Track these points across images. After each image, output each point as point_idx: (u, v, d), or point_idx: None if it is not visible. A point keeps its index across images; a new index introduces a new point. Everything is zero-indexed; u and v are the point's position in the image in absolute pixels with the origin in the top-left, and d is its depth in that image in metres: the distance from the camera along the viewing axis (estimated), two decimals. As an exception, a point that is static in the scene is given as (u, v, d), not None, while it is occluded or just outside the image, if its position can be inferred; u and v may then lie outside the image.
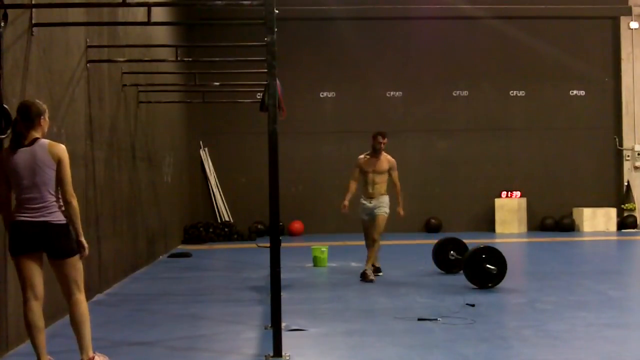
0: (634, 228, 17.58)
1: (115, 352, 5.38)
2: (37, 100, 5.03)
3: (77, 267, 4.87)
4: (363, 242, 9.80)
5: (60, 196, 4.83)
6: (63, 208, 4.82)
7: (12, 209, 4.85)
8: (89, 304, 4.99)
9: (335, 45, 17.75)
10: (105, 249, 8.64)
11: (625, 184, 18.08)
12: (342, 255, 10.30)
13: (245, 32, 14.35)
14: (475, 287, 8.40)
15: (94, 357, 4.89)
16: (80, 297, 4.88)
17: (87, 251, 4.94)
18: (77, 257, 4.87)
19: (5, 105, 5.46)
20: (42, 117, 4.86)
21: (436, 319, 6.58)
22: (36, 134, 4.82)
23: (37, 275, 4.81)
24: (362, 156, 9.73)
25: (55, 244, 4.77)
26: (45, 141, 4.83)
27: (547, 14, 18.04)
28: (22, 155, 4.76)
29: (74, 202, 4.81)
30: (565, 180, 18.02)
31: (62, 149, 4.83)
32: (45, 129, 4.93)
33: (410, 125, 17.93)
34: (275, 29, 5.43)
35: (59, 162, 4.78)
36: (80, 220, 4.88)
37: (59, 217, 4.79)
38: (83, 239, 4.89)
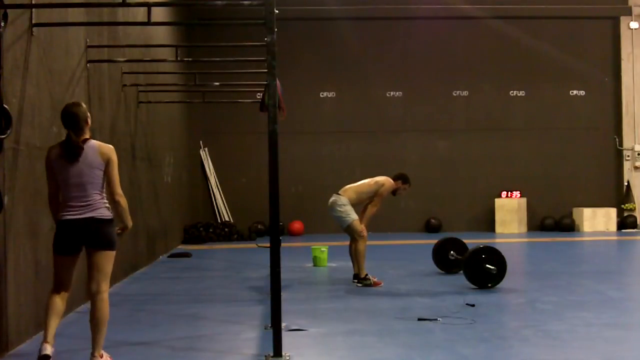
0: (634, 228, 17.58)
1: (115, 352, 5.37)
2: (78, 102, 5.11)
3: (111, 262, 5.02)
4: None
5: (105, 194, 4.97)
6: (107, 205, 4.96)
7: (60, 207, 4.95)
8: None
9: (335, 45, 17.75)
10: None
11: (625, 184, 18.08)
12: (342, 255, 10.28)
13: (245, 32, 14.35)
14: (475, 287, 8.40)
15: (103, 355, 4.97)
16: (105, 295, 5.00)
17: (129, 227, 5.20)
18: (114, 252, 5.01)
19: (5, 105, 5.46)
20: (87, 119, 5.00)
21: (436, 319, 6.58)
22: (85, 135, 4.95)
23: (70, 274, 4.99)
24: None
25: (97, 235, 4.89)
26: (95, 142, 4.97)
27: (547, 14, 18.05)
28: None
29: (122, 201, 5.00)
30: (565, 180, 18.02)
31: (111, 150, 4.99)
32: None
33: (410, 125, 17.94)
34: (275, 29, 5.43)
35: (107, 162, 4.92)
36: (129, 215, 5.13)
37: (104, 213, 4.92)
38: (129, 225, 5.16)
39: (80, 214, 4.85)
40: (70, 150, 4.85)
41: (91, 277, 4.96)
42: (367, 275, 8.93)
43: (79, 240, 4.89)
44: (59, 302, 4.89)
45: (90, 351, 4.94)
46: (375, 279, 8.93)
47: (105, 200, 4.97)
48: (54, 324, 4.85)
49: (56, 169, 4.90)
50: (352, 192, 9.10)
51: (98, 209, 4.88)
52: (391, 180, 9.19)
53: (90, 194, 4.87)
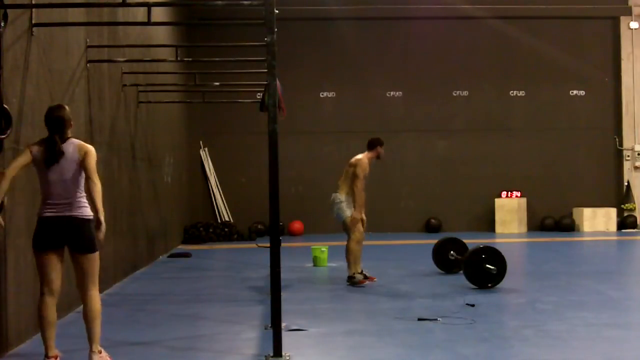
0: (634, 228, 17.58)
1: (115, 352, 5.37)
2: (62, 105, 5.14)
3: (96, 263, 5.02)
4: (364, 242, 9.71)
5: (85, 193, 4.98)
6: (87, 205, 4.95)
7: (40, 205, 4.97)
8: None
9: (335, 45, 17.75)
10: (106, 249, 8.61)
11: (625, 184, 18.08)
12: (342, 255, 10.28)
13: (245, 32, 14.35)
14: (475, 287, 8.40)
15: (102, 351, 4.98)
16: (95, 292, 5.01)
17: (103, 230, 4.90)
18: (97, 253, 5.01)
19: (5, 105, 5.46)
20: (71, 121, 5.04)
21: (436, 319, 6.58)
22: (67, 134, 4.99)
23: (56, 271, 4.93)
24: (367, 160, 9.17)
25: (79, 238, 4.90)
26: (77, 140, 5.02)
27: (547, 14, 18.05)
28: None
29: (98, 183, 4.89)
30: (565, 180, 18.02)
31: (90, 147, 5.02)
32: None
33: (410, 125, 17.94)
34: (275, 29, 5.44)
35: (85, 154, 4.92)
36: (101, 200, 4.91)
37: (84, 213, 4.93)
38: (102, 217, 4.87)
39: (60, 212, 4.86)
40: (52, 154, 4.87)
41: (79, 279, 5.01)
42: (354, 274, 8.96)
43: (59, 238, 4.88)
44: (50, 310, 4.88)
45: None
46: (362, 278, 8.93)
47: (86, 200, 4.97)
48: (51, 336, 4.88)
49: (37, 166, 4.92)
50: (344, 185, 9.15)
51: (79, 207, 4.91)
52: (362, 157, 9.07)
53: (72, 192, 4.90)
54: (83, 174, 4.95)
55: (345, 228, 9.07)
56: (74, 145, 4.94)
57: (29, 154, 4.89)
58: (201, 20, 16.50)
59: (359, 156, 9.16)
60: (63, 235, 4.88)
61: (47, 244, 4.87)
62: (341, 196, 9.07)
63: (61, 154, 4.87)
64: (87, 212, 4.95)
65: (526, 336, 5.95)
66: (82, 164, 4.90)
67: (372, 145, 9.25)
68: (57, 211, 4.87)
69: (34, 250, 4.95)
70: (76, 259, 4.97)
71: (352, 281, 8.92)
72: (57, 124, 4.92)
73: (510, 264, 8.68)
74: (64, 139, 4.94)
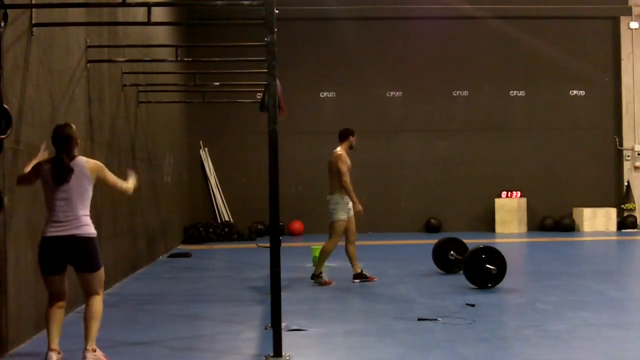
0: (634, 228, 17.58)
1: (115, 352, 5.38)
2: (69, 124, 5.20)
3: (100, 279, 5.10)
4: (362, 242, 9.72)
5: (89, 212, 5.05)
6: (90, 223, 5.02)
7: (44, 222, 5.01)
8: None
9: (335, 45, 17.75)
10: (106, 249, 8.60)
11: (625, 184, 18.08)
12: (342, 255, 10.28)
13: (245, 32, 14.35)
14: (475, 287, 8.40)
15: (96, 350, 5.01)
16: (99, 297, 5.10)
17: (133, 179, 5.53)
18: (101, 270, 5.07)
19: (5, 105, 5.46)
20: (77, 139, 5.10)
21: (436, 319, 6.58)
22: (74, 152, 5.04)
23: (63, 286, 5.04)
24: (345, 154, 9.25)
25: (81, 259, 4.95)
26: (83, 158, 5.07)
27: (547, 14, 18.05)
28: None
29: (130, 185, 5.38)
30: (565, 180, 18.02)
31: (98, 163, 5.14)
32: None
33: (410, 125, 17.94)
34: (275, 29, 5.44)
35: (99, 174, 5.08)
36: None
37: (87, 231, 4.96)
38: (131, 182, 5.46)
39: (63, 231, 4.88)
40: (61, 172, 4.91)
41: (84, 291, 5.09)
42: (320, 273, 9.09)
43: (63, 260, 4.93)
44: (57, 312, 4.98)
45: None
46: (327, 279, 9.07)
47: (89, 219, 5.02)
48: (56, 332, 4.94)
49: (45, 185, 4.97)
50: (334, 183, 9.11)
51: (82, 226, 4.93)
52: (340, 152, 9.19)
53: (77, 210, 4.93)
54: (91, 192, 5.02)
55: (330, 228, 9.09)
56: (81, 163, 5.00)
57: (41, 171, 4.99)
58: (201, 20, 16.50)
59: (338, 151, 9.24)
60: (66, 257, 4.92)
61: (51, 269, 4.94)
62: (334, 197, 9.07)
63: (71, 171, 4.91)
64: (90, 230, 4.98)
65: (526, 336, 5.95)
66: (104, 181, 5.10)
67: (344, 137, 9.43)
68: (60, 230, 4.89)
69: (40, 270, 5.01)
70: (80, 276, 5.04)
71: (316, 280, 9.07)
72: (64, 142, 4.96)
73: (510, 264, 8.68)
74: (72, 157, 4.98)
